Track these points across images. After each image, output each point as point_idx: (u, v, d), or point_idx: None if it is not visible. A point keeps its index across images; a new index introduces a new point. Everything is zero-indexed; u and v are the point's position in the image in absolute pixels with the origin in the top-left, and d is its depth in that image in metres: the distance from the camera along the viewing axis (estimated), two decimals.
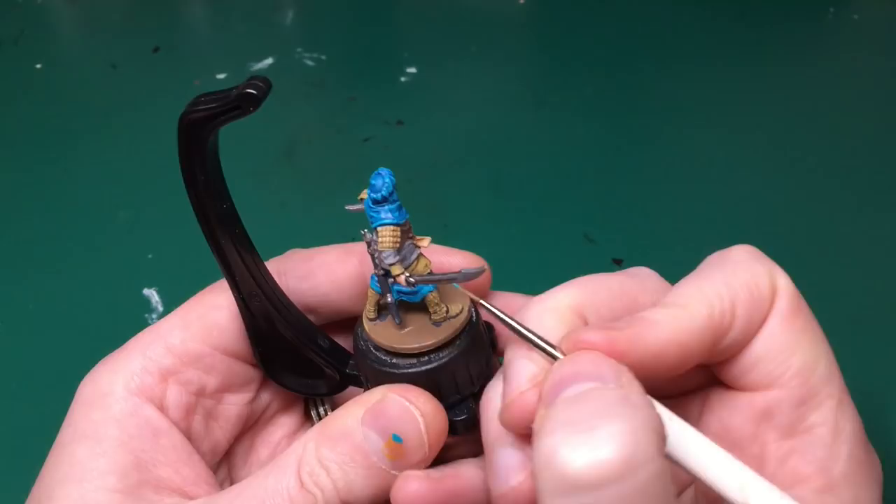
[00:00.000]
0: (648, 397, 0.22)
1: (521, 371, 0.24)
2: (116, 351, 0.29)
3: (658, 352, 0.23)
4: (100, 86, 0.67)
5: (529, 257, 0.49)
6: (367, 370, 0.27)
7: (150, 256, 0.51)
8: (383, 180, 0.24)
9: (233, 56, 0.70)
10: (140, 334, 0.29)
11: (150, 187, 0.56)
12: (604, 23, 0.75)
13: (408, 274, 0.26)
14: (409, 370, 0.26)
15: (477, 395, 0.27)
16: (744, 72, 0.68)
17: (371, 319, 0.28)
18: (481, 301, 0.26)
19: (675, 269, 0.48)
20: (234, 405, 0.30)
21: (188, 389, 0.29)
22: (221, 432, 0.30)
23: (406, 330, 0.27)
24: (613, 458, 0.19)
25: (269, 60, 0.69)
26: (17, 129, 0.62)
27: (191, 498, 0.27)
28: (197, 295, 0.30)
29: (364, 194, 0.25)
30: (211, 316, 0.29)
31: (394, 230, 0.25)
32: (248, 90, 0.24)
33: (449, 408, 0.27)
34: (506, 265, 0.46)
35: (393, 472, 0.26)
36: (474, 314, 0.28)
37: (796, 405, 0.25)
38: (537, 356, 0.24)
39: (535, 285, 0.47)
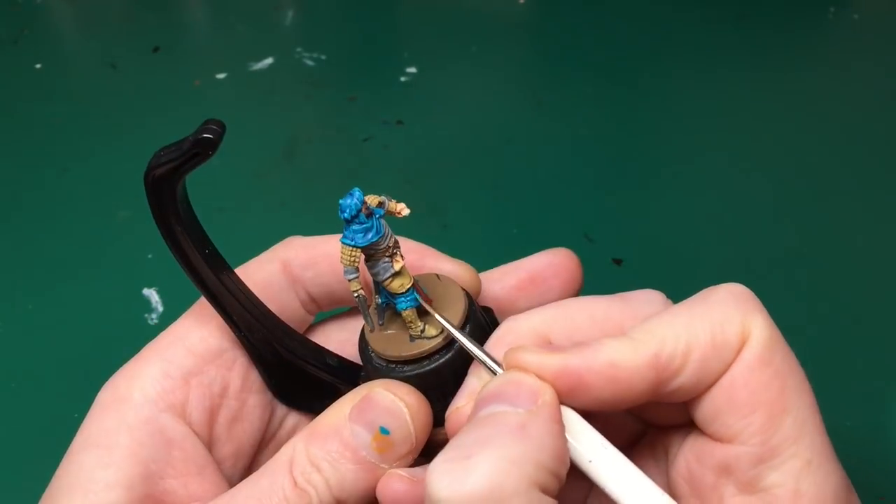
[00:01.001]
0: (575, 424, 0.22)
1: (466, 386, 0.25)
2: (135, 357, 0.29)
3: (592, 381, 0.23)
4: (99, 86, 0.67)
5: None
6: (371, 374, 0.28)
7: (150, 256, 0.51)
8: (350, 201, 0.25)
9: (233, 56, 0.70)
10: (156, 339, 0.29)
11: None
12: (604, 23, 0.75)
13: (360, 291, 0.26)
14: (406, 373, 0.27)
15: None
16: (744, 72, 0.68)
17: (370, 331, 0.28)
18: (435, 313, 0.26)
19: (674, 269, 0.48)
20: (257, 406, 0.30)
21: (211, 390, 0.29)
22: (245, 435, 0.30)
23: (400, 335, 0.27)
24: (475, 490, 0.20)
25: (269, 60, 0.69)
26: (16, 128, 0.62)
27: None
28: None
29: (373, 199, 0.26)
30: None
31: (351, 251, 0.26)
32: (204, 135, 0.24)
33: (442, 398, 0.27)
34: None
35: (382, 465, 0.26)
36: (470, 308, 0.28)
37: (755, 463, 0.23)
38: (486, 373, 0.25)
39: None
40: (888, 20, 0.75)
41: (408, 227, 0.33)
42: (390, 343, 0.27)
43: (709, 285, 0.28)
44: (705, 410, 0.24)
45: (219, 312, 0.28)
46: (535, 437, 0.21)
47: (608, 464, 0.23)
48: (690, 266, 0.49)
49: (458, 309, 0.27)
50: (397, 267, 0.26)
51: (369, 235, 0.26)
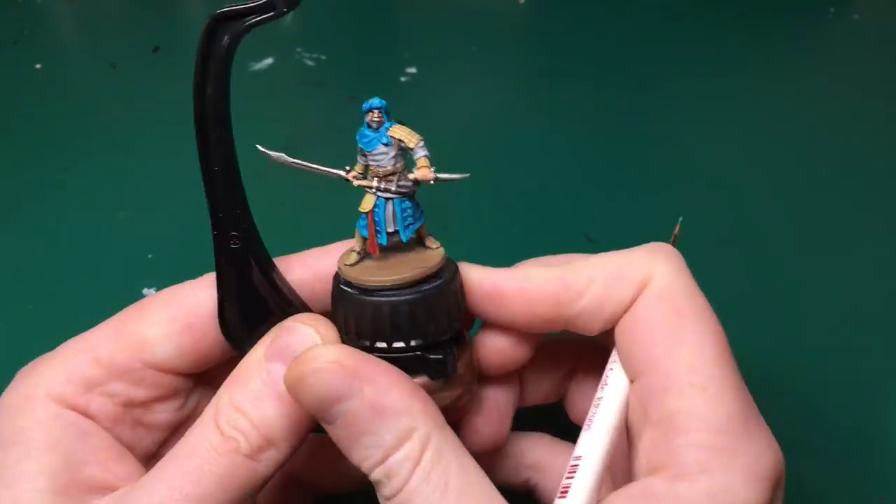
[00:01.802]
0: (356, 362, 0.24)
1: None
2: (41, 357, 0.29)
3: (508, 294, 0.27)
4: (100, 86, 0.67)
5: (529, 257, 0.49)
6: (349, 310, 0.26)
7: (149, 256, 0.51)
8: (372, 102, 0.26)
9: None
10: (68, 342, 0.29)
11: (150, 187, 0.56)
12: (604, 23, 0.75)
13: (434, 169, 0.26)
14: (393, 298, 0.26)
15: (456, 341, 0.27)
16: (744, 71, 0.68)
17: (350, 265, 0.27)
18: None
19: None
20: (163, 412, 0.30)
21: (114, 400, 0.28)
22: (151, 438, 0.30)
23: (384, 269, 0.27)
24: None
25: (269, 60, 0.69)
26: (17, 129, 0.62)
27: None
28: (132, 306, 0.30)
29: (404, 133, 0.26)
30: (143, 331, 0.29)
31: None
32: None
33: (426, 349, 0.26)
34: (506, 265, 0.46)
35: (307, 402, 0.25)
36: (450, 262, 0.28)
37: (659, 394, 0.25)
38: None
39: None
40: (888, 20, 0.75)
41: None
42: (390, 270, 0.26)
43: (709, 286, 0.29)
44: (621, 352, 0.27)
45: (208, 203, 0.27)
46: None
47: None
48: (690, 266, 0.49)
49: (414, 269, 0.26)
50: (355, 183, 0.27)
51: (359, 138, 0.26)
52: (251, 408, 0.25)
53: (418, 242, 0.28)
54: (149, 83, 0.67)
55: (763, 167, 0.57)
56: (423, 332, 0.26)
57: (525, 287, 0.27)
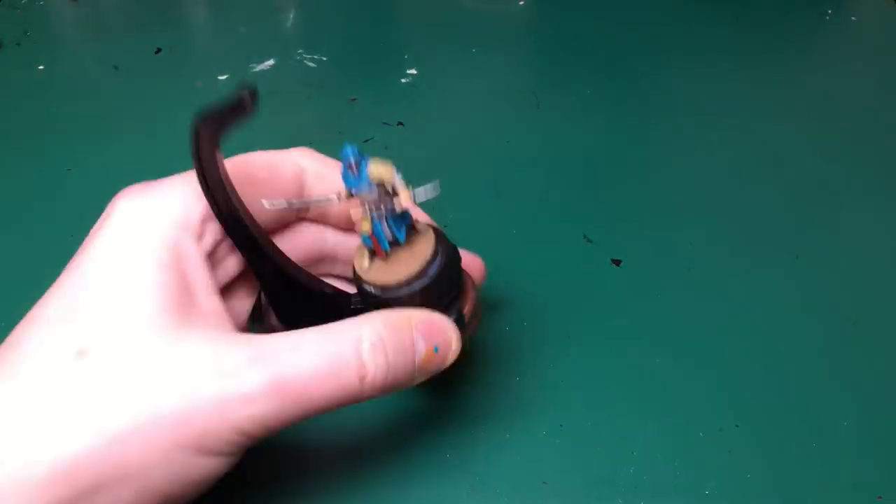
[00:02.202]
0: None
1: None
2: (151, 183, 0.31)
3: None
4: (102, 87, 0.67)
5: (529, 257, 0.49)
6: (378, 306, 0.31)
7: None
8: (347, 150, 0.30)
9: (234, 57, 0.71)
10: (173, 177, 0.31)
11: None
12: (604, 24, 0.75)
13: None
14: (411, 289, 0.31)
15: (458, 298, 0.33)
16: (742, 73, 0.68)
17: (367, 269, 0.32)
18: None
19: (675, 268, 0.48)
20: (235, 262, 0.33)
21: (214, 238, 0.31)
22: (218, 280, 0.32)
23: (394, 265, 0.32)
24: None
25: (271, 62, 0.70)
26: (19, 129, 0.62)
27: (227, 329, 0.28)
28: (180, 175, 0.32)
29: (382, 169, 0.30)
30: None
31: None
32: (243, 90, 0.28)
33: (446, 310, 0.32)
34: (505, 265, 0.47)
35: (416, 375, 0.30)
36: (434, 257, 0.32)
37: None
38: None
39: (535, 285, 0.48)
40: (886, 23, 0.75)
41: None
42: (400, 268, 0.31)
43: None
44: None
45: (238, 241, 0.31)
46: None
47: None
48: (691, 266, 0.49)
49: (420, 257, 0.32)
50: (352, 214, 0.32)
51: (347, 182, 0.31)
52: (392, 354, 0.29)
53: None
54: (151, 85, 0.67)
55: (761, 167, 0.57)
56: (440, 303, 0.32)
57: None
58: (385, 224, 0.31)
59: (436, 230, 0.33)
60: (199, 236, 0.30)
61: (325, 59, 0.70)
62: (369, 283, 0.31)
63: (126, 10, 0.79)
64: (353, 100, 0.65)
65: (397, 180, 0.30)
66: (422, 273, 0.31)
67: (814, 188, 0.55)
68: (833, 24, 0.75)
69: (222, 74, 0.68)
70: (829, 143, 0.60)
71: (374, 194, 0.30)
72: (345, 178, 0.30)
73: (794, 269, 0.49)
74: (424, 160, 0.58)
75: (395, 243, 0.32)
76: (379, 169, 0.30)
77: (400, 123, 0.62)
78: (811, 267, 0.49)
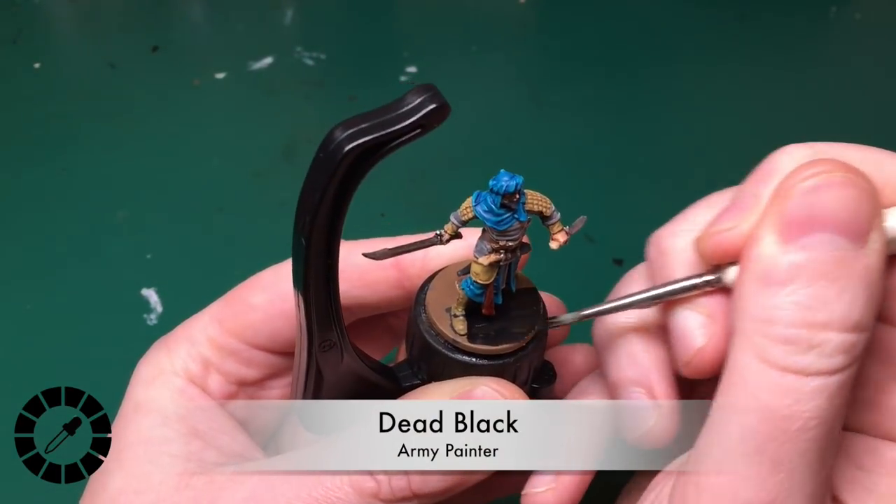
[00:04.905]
0: None
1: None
2: (168, 335, 0.31)
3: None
4: (98, 85, 0.67)
5: (530, 257, 0.49)
6: (439, 365, 0.27)
7: (148, 256, 0.51)
8: (509, 181, 0.24)
9: (232, 55, 0.70)
10: (187, 321, 0.31)
11: (150, 187, 0.56)
12: (604, 23, 0.75)
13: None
14: (517, 357, 0.27)
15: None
16: (745, 70, 0.68)
17: (455, 317, 0.27)
18: (588, 313, 0.28)
19: None
20: (278, 388, 0.31)
21: (228, 379, 0.30)
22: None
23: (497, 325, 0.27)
24: None
25: (269, 59, 0.69)
26: (15, 128, 0.62)
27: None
28: (234, 289, 0.31)
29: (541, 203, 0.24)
30: (246, 317, 0.30)
31: (468, 206, 0.26)
32: (432, 106, 0.21)
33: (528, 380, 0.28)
34: None
35: None
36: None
37: None
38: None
39: (537, 285, 0.47)
40: (890, 20, 0.75)
41: (408, 227, 0.33)
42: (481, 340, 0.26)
43: None
44: None
45: (304, 318, 0.26)
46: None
47: None
48: None
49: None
50: (486, 262, 0.25)
51: (490, 217, 0.24)
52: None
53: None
54: (148, 83, 0.67)
55: None
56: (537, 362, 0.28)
57: None
58: (506, 270, 0.26)
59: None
60: (206, 386, 0.30)
61: (323, 57, 0.70)
62: (466, 350, 0.26)
63: (122, 7, 0.78)
64: (353, 98, 0.65)
65: (555, 211, 0.25)
66: (526, 344, 0.27)
67: None
68: (837, 21, 0.75)
69: (220, 73, 0.67)
70: (833, 140, 0.59)
71: (518, 234, 0.25)
72: (490, 214, 0.24)
73: None
74: (424, 159, 0.57)
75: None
76: (537, 202, 0.24)
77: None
78: None
